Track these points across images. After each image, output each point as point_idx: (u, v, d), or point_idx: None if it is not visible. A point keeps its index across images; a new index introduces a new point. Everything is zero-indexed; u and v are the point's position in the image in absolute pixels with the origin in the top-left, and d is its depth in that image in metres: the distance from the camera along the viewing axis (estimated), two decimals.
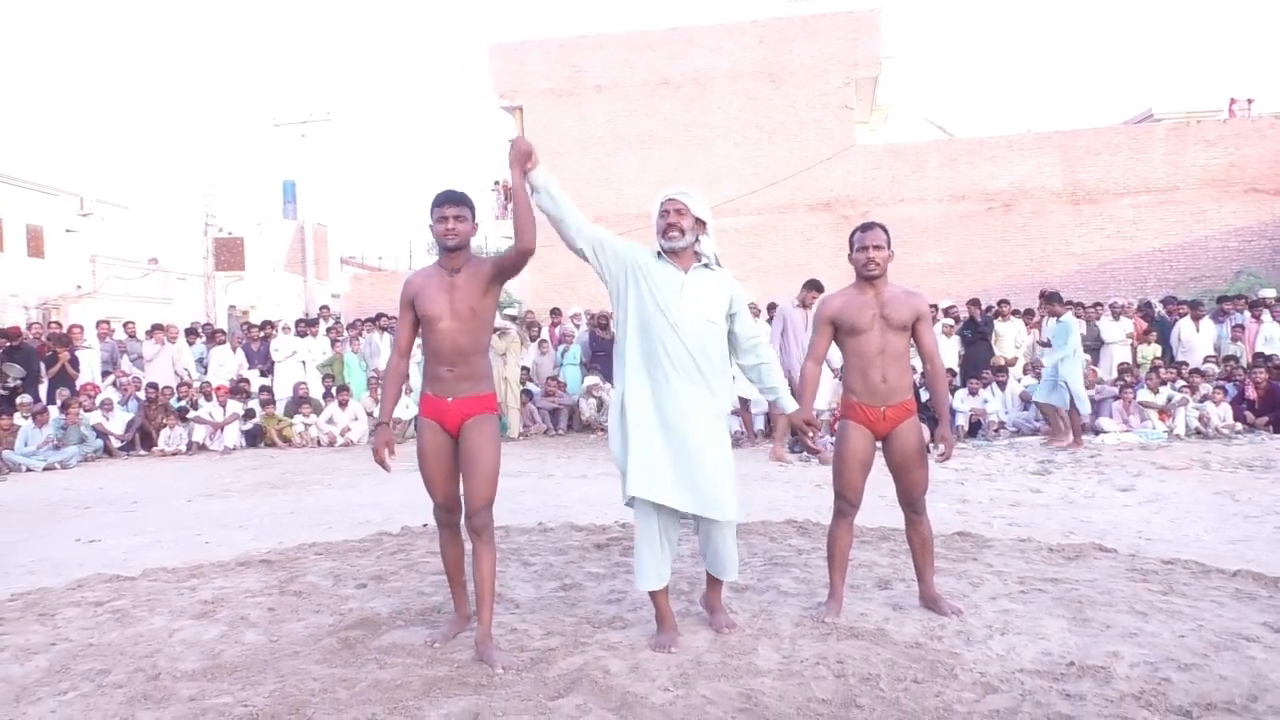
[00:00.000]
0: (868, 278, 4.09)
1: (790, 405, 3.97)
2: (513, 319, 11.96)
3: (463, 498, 3.78)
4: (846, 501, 4.14)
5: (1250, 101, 19.62)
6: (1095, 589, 4.38)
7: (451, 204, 3.73)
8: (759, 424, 11.54)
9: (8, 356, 11.80)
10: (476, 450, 3.71)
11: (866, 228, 4.12)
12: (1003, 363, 12.19)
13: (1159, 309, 13.88)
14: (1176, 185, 18.04)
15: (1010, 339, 12.90)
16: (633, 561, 4.48)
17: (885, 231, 4.12)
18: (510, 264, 3.70)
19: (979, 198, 18.71)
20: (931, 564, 4.22)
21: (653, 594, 3.82)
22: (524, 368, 13.48)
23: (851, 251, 4.14)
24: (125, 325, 14.95)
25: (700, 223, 3.80)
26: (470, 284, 3.72)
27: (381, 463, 3.84)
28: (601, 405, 12.59)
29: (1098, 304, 13.92)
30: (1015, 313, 13.45)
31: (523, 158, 3.65)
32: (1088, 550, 5.21)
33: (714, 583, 4.01)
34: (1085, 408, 10.07)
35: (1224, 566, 4.78)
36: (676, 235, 3.74)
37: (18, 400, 11.32)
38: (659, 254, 3.80)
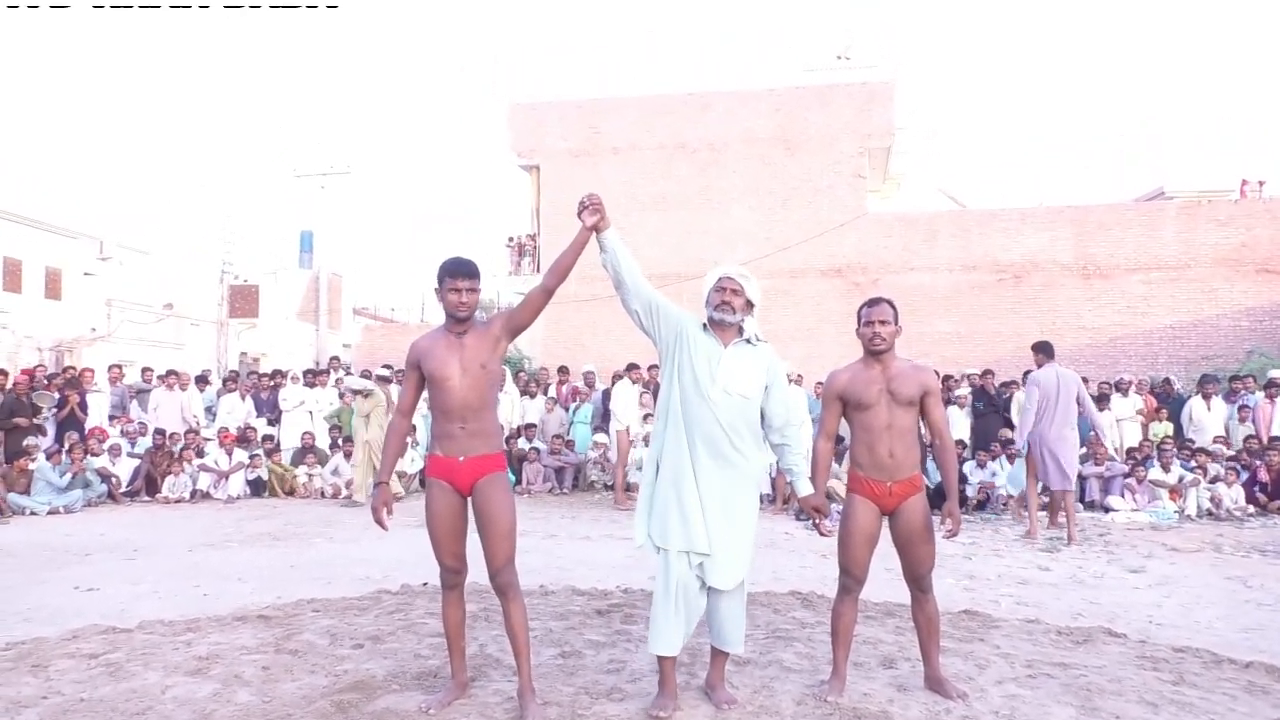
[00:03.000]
0: (873, 353, 4.09)
1: (805, 489, 4.01)
2: (385, 379, 12.09)
3: (485, 559, 3.79)
4: (851, 577, 4.09)
5: (1262, 183, 19.74)
6: (1104, 676, 4.29)
7: (465, 277, 3.80)
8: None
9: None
10: (494, 509, 3.77)
11: (873, 303, 4.13)
12: (1010, 435, 12.09)
13: (1177, 386, 13.85)
14: (1188, 263, 18.07)
15: None
16: (636, 629, 4.44)
17: (893, 307, 4.13)
18: (527, 311, 3.84)
19: (990, 269, 18.76)
20: (937, 644, 4.15)
21: (660, 658, 3.83)
22: (531, 424, 13.47)
23: (859, 326, 4.15)
24: (144, 372, 15.01)
25: (749, 304, 3.94)
26: (479, 342, 3.81)
27: (379, 522, 3.89)
28: (607, 463, 12.55)
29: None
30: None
31: (597, 215, 3.74)
32: (1097, 634, 5.12)
33: (717, 656, 3.96)
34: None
35: (1236, 656, 4.69)
36: (728, 310, 3.88)
37: (25, 442, 11.32)
38: (704, 325, 3.92)
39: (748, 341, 3.92)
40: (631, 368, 12.37)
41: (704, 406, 3.79)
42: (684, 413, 3.83)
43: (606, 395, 13.18)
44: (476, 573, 4.02)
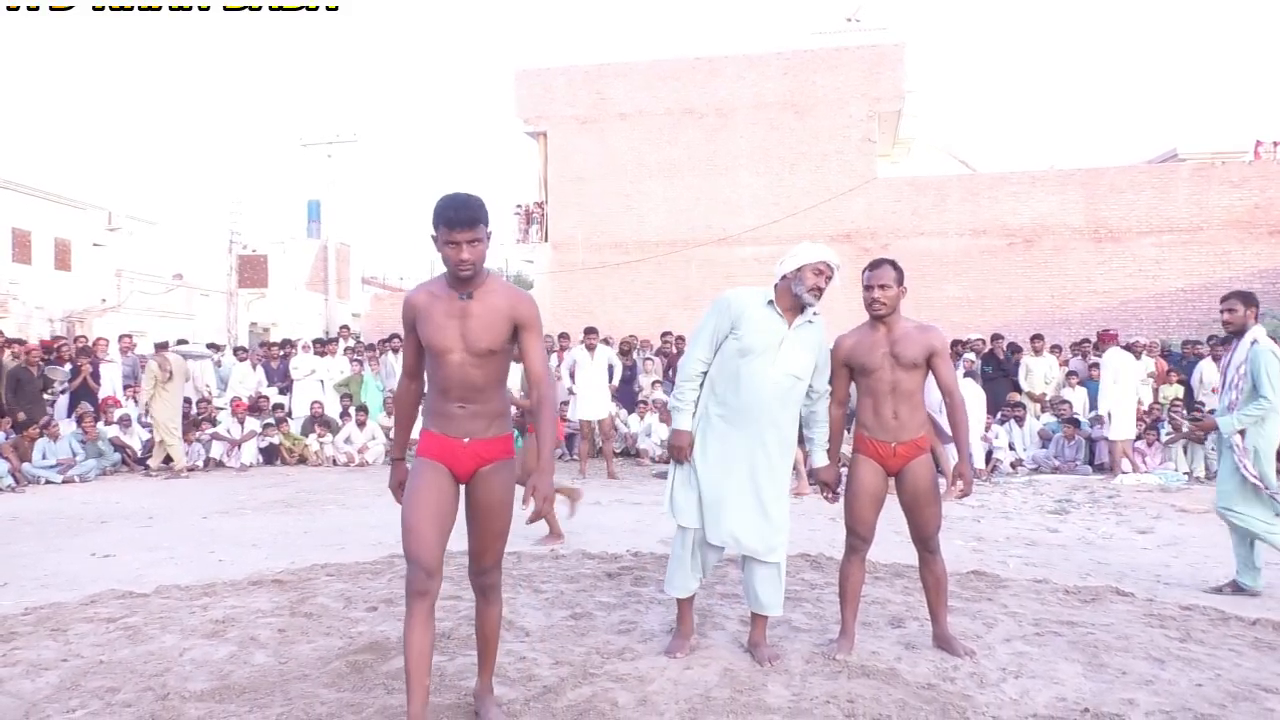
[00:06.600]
0: (875, 317, 4.08)
1: (821, 460, 4.19)
2: (161, 346, 12.21)
3: (469, 553, 3.26)
4: (858, 537, 4.12)
5: (1276, 144, 19.51)
6: (1112, 633, 4.32)
7: (464, 226, 2.99)
8: None
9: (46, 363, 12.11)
10: (496, 502, 3.19)
11: (875, 265, 4.10)
12: (1019, 399, 12.11)
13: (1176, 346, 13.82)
14: (1200, 226, 17.93)
15: (1040, 374, 12.81)
16: (646, 592, 4.50)
17: (896, 269, 4.08)
18: (531, 359, 3.16)
19: (1000, 233, 18.66)
20: (945, 603, 4.18)
21: (679, 600, 4.09)
22: None
23: (863, 290, 4.14)
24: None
25: None
26: (488, 316, 3.09)
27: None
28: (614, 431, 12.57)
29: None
30: (1055, 349, 13.42)
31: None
32: (1105, 593, 5.15)
33: (757, 618, 4.07)
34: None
35: (1243, 614, 4.72)
36: (817, 295, 3.95)
37: (43, 420, 11.38)
38: (770, 301, 3.98)
39: (809, 321, 4.02)
40: (589, 332, 11.59)
41: (760, 385, 3.89)
42: (730, 388, 3.92)
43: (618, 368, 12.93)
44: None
